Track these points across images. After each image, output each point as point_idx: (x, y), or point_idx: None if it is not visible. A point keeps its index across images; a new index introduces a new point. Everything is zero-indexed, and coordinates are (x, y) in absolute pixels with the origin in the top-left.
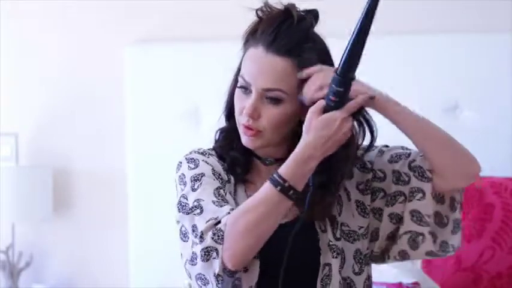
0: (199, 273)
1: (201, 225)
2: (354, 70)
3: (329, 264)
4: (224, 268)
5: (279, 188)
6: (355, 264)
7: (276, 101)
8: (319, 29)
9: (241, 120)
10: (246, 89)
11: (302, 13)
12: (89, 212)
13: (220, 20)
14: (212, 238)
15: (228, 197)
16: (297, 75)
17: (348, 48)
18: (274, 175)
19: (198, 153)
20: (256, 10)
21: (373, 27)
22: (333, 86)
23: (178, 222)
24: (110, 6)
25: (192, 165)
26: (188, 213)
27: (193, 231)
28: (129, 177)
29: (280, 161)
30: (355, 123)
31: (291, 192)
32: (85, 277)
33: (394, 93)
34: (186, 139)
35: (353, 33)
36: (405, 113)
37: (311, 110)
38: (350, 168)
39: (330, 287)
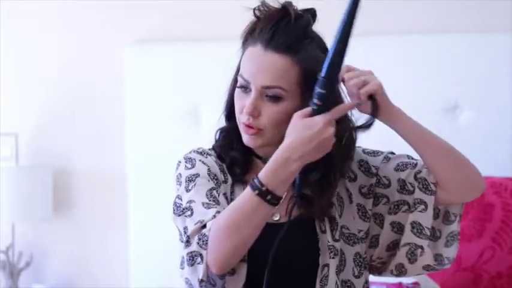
0: (186, 278)
1: (190, 228)
2: (337, 72)
3: (328, 265)
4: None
5: (256, 192)
6: (355, 267)
7: (276, 98)
8: (318, 28)
9: (241, 119)
10: (246, 88)
11: (300, 11)
12: (89, 212)
13: (220, 20)
14: (198, 243)
15: (221, 198)
16: (296, 72)
17: (331, 50)
18: (255, 179)
19: (197, 152)
20: (254, 9)
21: (373, 27)
22: (317, 88)
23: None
24: (110, 6)
25: (188, 165)
26: (180, 215)
27: (185, 233)
28: (129, 177)
29: None
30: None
31: (269, 197)
32: (85, 277)
33: (394, 93)
34: (186, 139)
35: (336, 35)
36: (413, 125)
37: (296, 113)
38: (348, 166)
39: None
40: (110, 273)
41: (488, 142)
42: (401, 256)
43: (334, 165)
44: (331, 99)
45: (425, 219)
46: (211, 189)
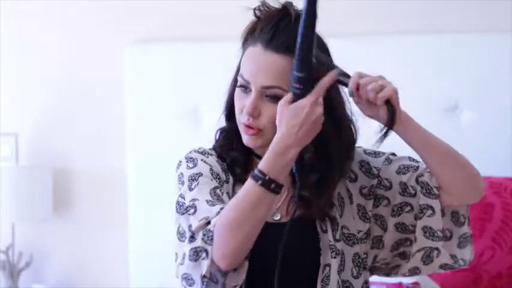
0: (186, 273)
1: (195, 225)
2: (311, 53)
3: (329, 265)
4: (218, 270)
5: (260, 182)
6: (354, 267)
7: (276, 98)
8: (318, 28)
9: (241, 119)
10: (246, 87)
11: (300, 11)
12: (89, 212)
13: (220, 20)
14: (202, 239)
15: (225, 197)
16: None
17: (300, 32)
18: (255, 171)
19: (198, 152)
20: (254, 9)
21: (373, 27)
22: (294, 72)
23: (176, 222)
24: (110, 6)
25: (190, 165)
26: (183, 214)
27: (190, 230)
28: (129, 177)
29: None
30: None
31: (273, 185)
32: (85, 277)
33: None
34: (186, 139)
35: (302, 16)
36: (422, 131)
37: (280, 103)
38: (348, 165)
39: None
40: (110, 273)
41: (489, 142)
42: (416, 261)
43: (334, 166)
44: (309, 80)
45: (435, 222)
46: (215, 188)
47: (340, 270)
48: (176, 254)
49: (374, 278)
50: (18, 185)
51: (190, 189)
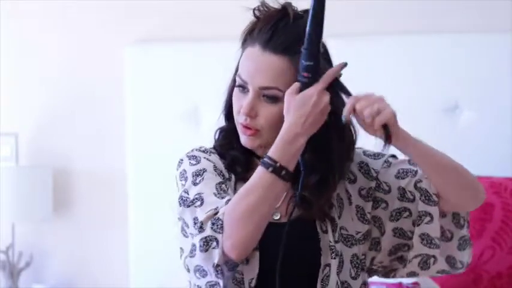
0: (198, 265)
1: (201, 217)
2: (319, 42)
3: (329, 265)
4: (226, 261)
5: (270, 169)
6: (352, 268)
7: (273, 99)
8: None
9: (239, 119)
10: (244, 88)
11: (299, 12)
12: (89, 212)
13: (220, 20)
14: (211, 228)
15: (230, 192)
16: (293, 73)
17: (310, 20)
18: (265, 158)
19: (200, 151)
20: (253, 9)
21: (373, 27)
22: (303, 61)
23: (179, 218)
24: (110, 6)
25: (193, 162)
26: (189, 206)
27: (195, 223)
28: (129, 177)
29: None
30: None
31: (283, 172)
32: (85, 277)
33: (395, 93)
34: (186, 139)
35: (312, 4)
36: (420, 148)
37: (288, 91)
38: (347, 166)
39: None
40: (110, 273)
41: (488, 142)
42: (413, 266)
43: (334, 167)
44: (317, 69)
45: (433, 229)
46: (220, 183)
47: (339, 271)
48: (181, 248)
49: (374, 278)
50: (18, 185)
51: (195, 184)
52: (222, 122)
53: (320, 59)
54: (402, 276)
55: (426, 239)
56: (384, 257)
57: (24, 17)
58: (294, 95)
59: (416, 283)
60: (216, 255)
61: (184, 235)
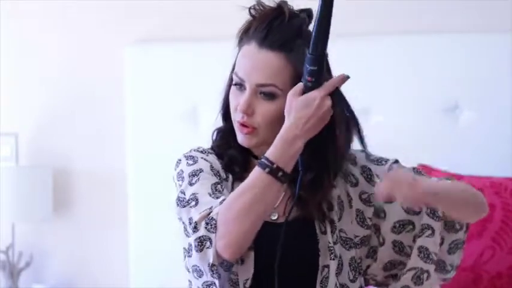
0: (195, 265)
1: (196, 217)
2: (324, 47)
3: (328, 266)
4: (222, 262)
5: (267, 170)
6: (350, 271)
7: (270, 96)
8: None
9: (236, 117)
10: (241, 85)
11: (295, 11)
12: (89, 212)
13: (220, 20)
14: (205, 227)
15: (225, 192)
16: (289, 71)
17: (316, 25)
18: (262, 159)
19: (197, 151)
20: (249, 8)
21: (373, 27)
22: (307, 65)
23: (179, 219)
24: (110, 6)
25: (190, 162)
26: (184, 206)
27: (190, 223)
28: (129, 177)
29: None
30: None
31: (280, 174)
32: (85, 277)
33: (395, 93)
34: (185, 139)
35: (318, 10)
36: (440, 196)
37: (290, 92)
38: (341, 164)
39: None
40: (110, 273)
41: (488, 142)
42: (406, 279)
43: (328, 165)
44: (321, 74)
45: (433, 244)
46: (216, 183)
47: (338, 273)
48: (184, 249)
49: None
50: (18, 185)
51: (191, 184)
52: (220, 122)
53: (324, 64)
54: None
55: (424, 252)
56: (379, 271)
57: (24, 17)
58: (297, 96)
59: None
60: (210, 255)
61: (186, 235)
